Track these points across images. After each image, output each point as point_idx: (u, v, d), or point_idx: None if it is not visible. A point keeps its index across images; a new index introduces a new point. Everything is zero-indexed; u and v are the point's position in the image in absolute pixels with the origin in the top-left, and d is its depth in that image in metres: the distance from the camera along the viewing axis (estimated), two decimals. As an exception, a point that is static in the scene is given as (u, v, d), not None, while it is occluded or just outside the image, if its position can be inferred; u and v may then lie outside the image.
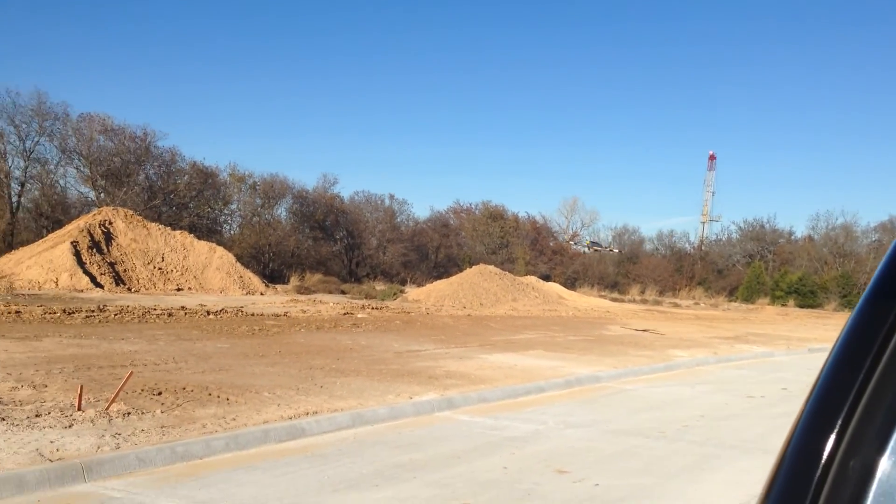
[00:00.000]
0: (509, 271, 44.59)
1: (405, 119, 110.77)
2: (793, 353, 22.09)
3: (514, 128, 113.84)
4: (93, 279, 29.06)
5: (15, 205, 42.89)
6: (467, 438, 8.98)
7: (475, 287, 37.16)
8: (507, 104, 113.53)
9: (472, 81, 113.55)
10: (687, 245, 76.63)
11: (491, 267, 41.29)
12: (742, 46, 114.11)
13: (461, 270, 44.66)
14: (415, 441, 8.72)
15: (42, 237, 36.04)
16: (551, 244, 68.60)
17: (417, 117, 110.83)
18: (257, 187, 52.27)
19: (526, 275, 47.64)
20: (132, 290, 30.02)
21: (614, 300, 48.95)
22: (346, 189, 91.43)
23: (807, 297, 58.41)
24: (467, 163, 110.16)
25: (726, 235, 77.61)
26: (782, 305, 56.18)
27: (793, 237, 73.06)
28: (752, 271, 63.38)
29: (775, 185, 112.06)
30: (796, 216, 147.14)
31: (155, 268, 32.47)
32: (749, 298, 59.80)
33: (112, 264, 31.19)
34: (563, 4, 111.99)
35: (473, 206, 67.52)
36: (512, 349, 17.87)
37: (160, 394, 9.67)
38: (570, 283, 55.88)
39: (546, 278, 50.83)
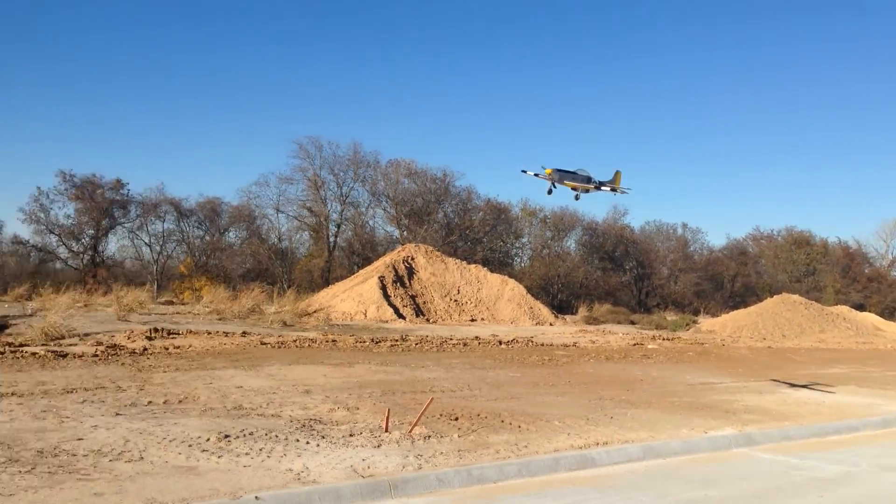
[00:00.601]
0: (815, 300, 41.22)
1: (697, 146, 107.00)
2: None
3: (818, 149, 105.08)
4: (396, 311, 31.41)
5: (332, 244, 48.16)
6: (767, 477, 8.43)
7: (776, 317, 34.79)
8: (807, 123, 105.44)
9: (771, 102, 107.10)
10: None
11: (794, 296, 38.47)
12: None
13: (760, 300, 42.21)
14: (709, 477, 8.36)
15: (353, 273, 39.88)
16: (866, 271, 62.42)
17: (710, 143, 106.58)
18: (548, 221, 53.60)
19: (835, 304, 43.75)
20: (430, 320, 31.95)
21: (946, 332, 43.16)
22: (637, 219, 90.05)
23: None
24: (768, 187, 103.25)
25: None
26: None
27: None
28: None
29: None
30: None
31: (451, 300, 34.33)
32: None
33: (413, 297, 33.50)
34: None
35: (775, 233, 63.74)
36: (819, 384, 16.47)
37: (457, 419, 10.21)
38: (889, 314, 50.30)
39: (859, 308, 46.33)
